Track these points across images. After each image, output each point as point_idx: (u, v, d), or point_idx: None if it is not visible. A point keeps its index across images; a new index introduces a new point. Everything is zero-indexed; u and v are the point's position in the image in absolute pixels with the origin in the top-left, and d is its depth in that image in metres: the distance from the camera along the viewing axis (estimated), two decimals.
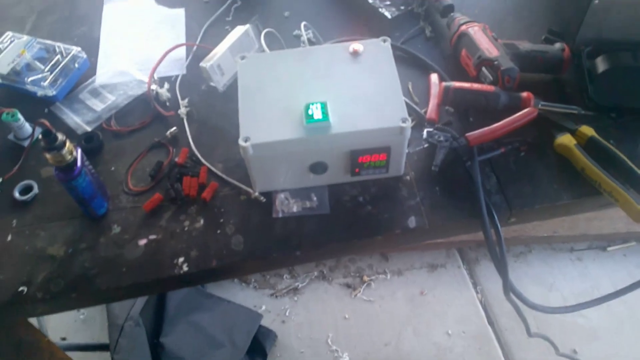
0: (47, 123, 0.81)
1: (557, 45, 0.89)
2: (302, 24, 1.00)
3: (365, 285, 1.72)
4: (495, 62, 0.84)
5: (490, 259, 0.79)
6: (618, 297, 0.83)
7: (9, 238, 0.77)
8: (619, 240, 1.79)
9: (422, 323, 1.64)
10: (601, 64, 0.84)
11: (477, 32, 0.90)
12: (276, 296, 1.71)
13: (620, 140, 0.82)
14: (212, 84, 0.91)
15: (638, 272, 1.71)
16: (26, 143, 0.86)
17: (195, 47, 1.00)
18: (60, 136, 0.67)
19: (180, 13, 1.08)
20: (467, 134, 0.80)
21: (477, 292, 1.69)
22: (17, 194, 0.81)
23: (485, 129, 0.81)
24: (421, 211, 0.78)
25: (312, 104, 0.72)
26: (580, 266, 1.74)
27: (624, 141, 0.82)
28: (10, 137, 0.88)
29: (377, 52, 0.81)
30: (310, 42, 0.99)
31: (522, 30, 0.99)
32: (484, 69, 0.86)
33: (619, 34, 0.87)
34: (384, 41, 0.82)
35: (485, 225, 0.75)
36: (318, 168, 0.76)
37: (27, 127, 0.87)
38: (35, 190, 0.81)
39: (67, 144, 0.68)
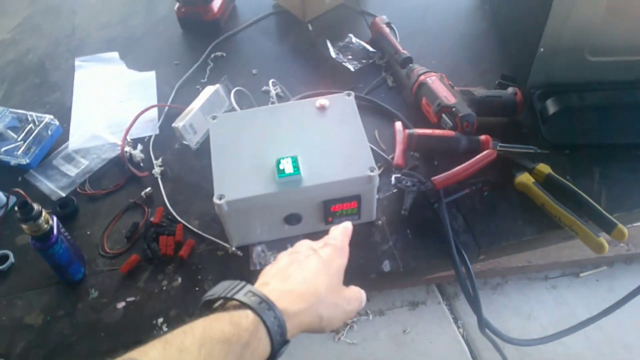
0: (21, 192, 0.82)
1: (510, 89, 0.95)
2: (270, 80, 1.04)
3: (348, 327, 1.72)
4: (454, 109, 0.89)
5: None
6: (591, 324, 0.86)
7: None
8: (590, 266, 1.84)
9: None
10: (551, 106, 0.90)
11: (435, 82, 0.96)
12: None
13: (575, 176, 0.87)
14: (185, 142, 0.94)
15: (611, 296, 1.76)
16: (0, 212, 0.87)
17: (166, 108, 1.03)
18: (36, 206, 0.68)
19: (151, 76, 1.11)
20: (433, 178, 0.84)
21: (458, 327, 1.70)
22: None
23: (449, 172, 0.85)
24: (394, 254, 0.80)
25: (283, 158, 0.75)
26: (555, 294, 1.78)
27: (579, 176, 0.87)
28: None
29: (343, 105, 0.85)
30: (279, 97, 1.03)
31: (477, 77, 1.06)
32: (443, 115, 0.91)
33: (565, 77, 0.94)
34: (348, 95, 0.86)
35: (456, 264, 0.78)
36: (292, 219, 0.79)
37: (1, 197, 0.87)
38: (11, 259, 0.81)
39: (43, 213, 0.69)
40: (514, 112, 0.94)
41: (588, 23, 0.85)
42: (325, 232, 0.81)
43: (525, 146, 0.89)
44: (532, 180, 0.84)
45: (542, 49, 0.90)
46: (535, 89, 0.95)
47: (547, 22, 0.86)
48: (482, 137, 0.89)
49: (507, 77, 0.98)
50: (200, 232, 0.83)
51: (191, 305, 0.76)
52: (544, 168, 0.85)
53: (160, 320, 0.74)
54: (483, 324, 0.81)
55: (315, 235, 0.81)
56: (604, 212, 0.78)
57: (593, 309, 1.71)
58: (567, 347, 1.64)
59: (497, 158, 0.87)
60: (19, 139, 0.93)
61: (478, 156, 0.86)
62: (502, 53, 1.11)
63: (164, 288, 0.78)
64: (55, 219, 0.73)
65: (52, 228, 0.71)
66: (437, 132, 0.89)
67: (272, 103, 1.02)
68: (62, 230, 0.74)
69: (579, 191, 0.81)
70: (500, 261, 1.73)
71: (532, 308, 1.75)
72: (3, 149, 0.92)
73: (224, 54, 1.15)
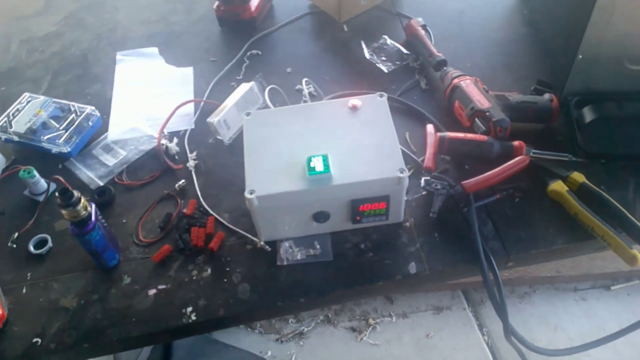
0: (61, 179, 0.85)
1: (546, 95, 0.94)
2: (304, 79, 1.05)
3: (370, 328, 1.72)
4: (487, 114, 0.89)
5: None
6: (617, 339, 0.84)
7: (24, 291, 0.80)
8: (622, 279, 1.79)
9: None
10: (588, 114, 0.88)
11: (469, 85, 0.95)
12: (282, 341, 1.70)
13: (611, 186, 0.85)
14: (218, 137, 0.96)
15: None
16: (41, 198, 0.90)
17: (202, 103, 1.05)
18: (76, 193, 0.71)
19: (188, 71, 1.14)
20: (463, 182, 0.84)
21: (483, 334, 1.68)
22: (31, 248, 0.84)
23: (480, 176, 0.84)
24: (421, 257, 0.80)
25: (314, 156, 0.76)
26: (584, 306, 1.74)
27: (614, 186, 0.85)
28: (26, 192, 0.91)
29: (375, 106, 0.85)
30: (312, 96, 1.05)
31: (513, 82, 1.04)
32: (476, 119, 0.91)
33: (604, 85, 0.92)
34: (381, 96, 0.86)
35: (484, 270, 0.78)
36: (321, 217, 0.80)
37: (42, 183, 0.91)
38: (50, 244, 0.84)
39: (82, 200, 0.72)
40: (549, 118, 0.93)
41: (628, 31, 0.84)
42: (352, 232, 0.83)
43: (559, 153, 0.88)
44: (566, 188, 0.83)
45: (580, 56, 0.88)
46: (572, 96, 0.94)
47: (586, 29, 0.85)
48: (516, 142, 0.88)
49: (543, 83, 0.97)
50: (230, 226, 0.85)
51: (220, 296, 0.77)
52: (578, 177, 0.84)
53: (189, 309, 0.76)
54: (509, 331, 0.81)
55: (342, 234, 0.83)
56: (638, 223, 0.76)
57: (623, 322, 1.65)
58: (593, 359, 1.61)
59: (530, 165, 0.86)
60: (61, 128, 0.97)
61: (510, 162, 0.85)
62: (539, 59, 1.09)
63: (194, 278, 0.80)
64: (93, 206, 0.75)
65: (90, 215, 0.74)
66: (470, 136, 0.89)
67: (305, 102, 1.03)
68: (100, 217, 0.77)
69: (614, 201, 0.80)
70: (528, 270, 1.70)
71: (559, 319, 1.71)
72: (46, 137, 0.95)
73: (260, 52, 1.17)
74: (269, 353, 1.67)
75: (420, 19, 1.14)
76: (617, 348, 1.62)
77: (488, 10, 1.24)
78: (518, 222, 0.83)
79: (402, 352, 1.66)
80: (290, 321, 1.75)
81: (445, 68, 1.03)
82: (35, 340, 0.75)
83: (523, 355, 0.90)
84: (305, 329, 1.72)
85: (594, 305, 1.74)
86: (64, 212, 0.71)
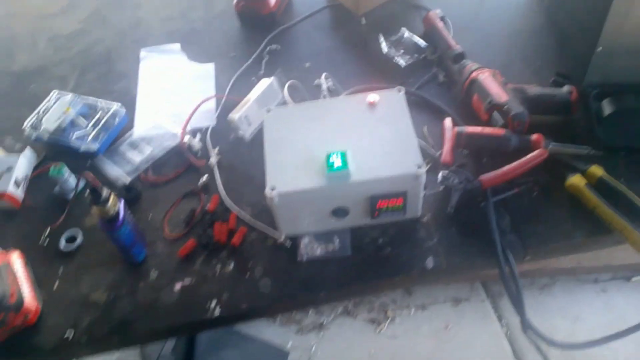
0: (91, 177, 0.88)
1: (565, 88, 0.93)
2: (323, 74, 1.07)
3: (389, 320, 1.74)
4: (506, 107, 0.89)
5: None
6: (634, 332, 0.84)
7: (56, 285, 0.84)
8: None
9: (448, 358, 1.64)
10: (607, 107, 0.88)
11: (487, 78, 0.95)
12: (302, 332, 1.73)
13: (630, 179, 0.84)
14: (240, 132, 0.98)
15: None
16: (71, 195, 0.94)
17: (224, 99, 1.07)
18: (105, 191, 0.74)
19: (210, 67, 1.16)
20: (481, 177, 0.84)
21: (502, 326, 1.69)
22: (63, 244, 0.88)
23: (498, 171, 0.85)
24: (438, 252, 0.81)
25: (333, 153, 0.77)
26: (605, 297, 1.73)
27: (634, 180, 0.85)
28: (56, 189, 0.95)
29: (393, 101, 0.86)
30: (330, 91, 1.06)
31: (531, 75, 1.04)
32: (495, 113, 0.91)
33: (624, 77, 0.91)
34: (399, 91, 0.87)
35: (501, 264, 0.79)
36: (340, 213, 0.81)
37: (72, 180, 0.94)
38: (80, 239, 0.88)
39: (112, 197, 0.75)
40: (568, 111, 0.93)
41: None
42: (370, 227, 0.84)
43: (578, 146, 0.88)
44: (585, 182, 0.83)
45: (600, 48, 0.88)
46: (592, 89, 0.93)
47: (606, 21, 0.84)
48: (534, 136, 0.88)
49: (562, 75, 0.96)
50: (252, 221, 0.87)
51: (242, 290, 0.80)
52: (597, 170, 0.84)
53: (214, 303, 0.79)
54: (526, 325, 0.81)
55: (361, 229, 0.84)
56: None
57: None
58: (615, 352, 1.60)
59: (548, 158, 0.85)
60: (89, 126, 1.00)
61: (528, 155, 0.85)
62: (558, 51, 1.08)
63: (217, 273, 0.82)
64: (122, 202, 0.78)
65: (119, 211, 0.76)
66: (487, 130, 0.89)
67: (324, 97, 1.04)
68: (128, 213, 0.80)
69: (633, 195, 0.80)
70: (548, 261, 1.69)
71: (580, 310, 1.70)
72: (74, 136, 0.98)
73: (279, 47, 1.19)
74: (290, 344, 1.71)
75: (438, 11, 1.14)
76: (638, 340, 1.61)
77: (508, 0, 1.23)
78: (536, 216, 0.84)
79: (420, 344, 1.68)
80: (310, 313, 1.78)
81: (463, 61, 1.03)
82: (67, 333, 0.78)
83: (540, 348, 0.91)
84: (325, 321, 1.75)
85: (614, 297, 1.73)
86: (94, 209, 0.74)
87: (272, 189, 0.76)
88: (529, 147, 0.88)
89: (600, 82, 0.93)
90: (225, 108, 1.05)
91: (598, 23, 0.86)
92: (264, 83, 1.02)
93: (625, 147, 0.89)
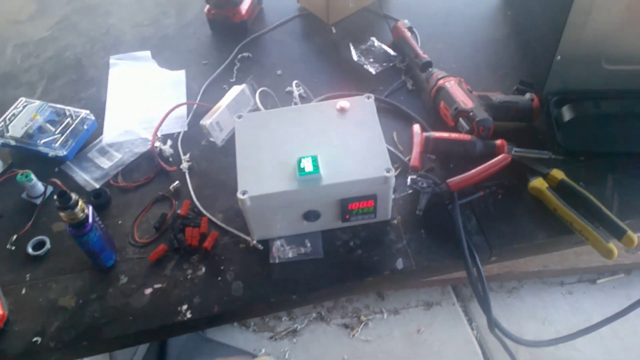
0: (58, 182, 0.87)
1: (527, 95, 0.97)
2: (294, 81, 1.08)
3: (362, 325, 1.75)
4: (471, 114, 0.92)
5: None
6: (603, 327, 0.88)
7: (24, 291, 0.82)
8: (607, 273, 1.84)
9: None
10: (566, 113, 0.92)
11: (453, 86, 0.98)
12: (275, 339, 1.73)
13: (589, 182, 0.88)
14: (211, 139, 0.98)
15: (628, 303, 1.74)
16: (38, 201, 0.93)
17: (195, 106, 1.08)
18: (74, 196, 0.73)
19: (181, 74, 1.16)
20: (448, 180, 0.87)
21: (472, 329, 1.72)
22: (30, 250, 0.86)
23: (465, 174, 0.88)
24: (408, 253, 0.83)
25: (304, 157, 0.79)
26: (571, 300, 1.78)
27: (592, 183, 0.88)
28: (23, 195, 0.94)
29: (362, 108, 0.88)
30: (301, 98, 1.07)
31: (496, 82, 1.08)
32: (460, 119, 0.94)
33: (582, 84, 0.95)
34: (368, 98, 0.89)
35: (467, 264, 0.81)
36: (311, 216, 0.82)
37: (40, 186, 0.93)
38: (48, 245, 0.87)
39: (80, 202, 0.74)
40: (530, 117, 0.96)
41: (605, 31, 0.87)
42: (341, 230, 0.86)
43: (540, 151, 0.91)
44: (546, 185, 0.86)
45: (559, 57, 0.92)
46: (552, 96, 0.97)
47: (564, 30, 0.88)
48: (498, 141, 0.91)
49: (525, 83, 1.00)
50: (223, 225, 0.88)
51: (214, 293, 0.80)
52: (557, 174, 0.87)
53: (185, 307, 0.79)
54: (492, 324, 0.84)
55: (332, 232, 0.85)
56: (614, 218, 0.80)
57: (609, 315, 1.70)
58: (581, 352, 1.65)
59: (512, 162, 0.89)
60: (57, 132, 0.99)
61: (493, 160, 0.88)
62: (521, 59, 1.12)
63: (189, 277, 0.82)
64: (90, 208, 0.78)
65: (87, 217, 0.76)
66: (454, 135, 0.92)
67: (295, 103, 1.06)
68: (97, 219, 0.79)
69: (591, 197, 0.83)
70: (516, 265, 1.74)
71: (547, 313, 1.75)
72: (42, 141, 0.97)
73: (250, 55, 1.20)
74: (263, 350, 1.70)
75: (406, 21, 1.17)
76: (604, 341, 1.66)
77: (473, 10, 1.27)
78: (501, 218, 0.87)
79: (393, 347, 1.70)
80: (283, 319, 1.78)
81: (430, 69, 1.06)
82: (35, 339, 0.77)
83: (507, 347, 0.93)
84: (299, 327, 1.75)
85: (580, 299, 1.79)
86: (62, 214, 0.74)
87: (244, 193, 0.77)
88: (493, 152, 0.91)
89: (560, 90, 0.97)
90: (197, 114, 1.05)
91: (557, 33, 0.89)
92: (236, 90, 1.03)
93: (584, 152, 0.93)
